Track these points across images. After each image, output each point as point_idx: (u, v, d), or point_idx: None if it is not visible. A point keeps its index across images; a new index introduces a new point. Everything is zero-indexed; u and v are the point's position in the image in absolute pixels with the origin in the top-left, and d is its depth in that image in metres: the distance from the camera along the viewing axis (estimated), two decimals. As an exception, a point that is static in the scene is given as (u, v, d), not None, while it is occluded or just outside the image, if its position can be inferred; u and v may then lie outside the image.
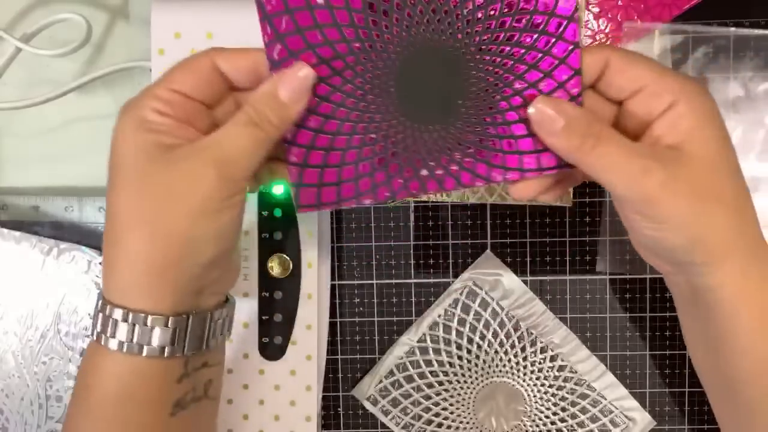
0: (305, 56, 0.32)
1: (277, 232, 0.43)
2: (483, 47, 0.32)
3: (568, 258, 0.46)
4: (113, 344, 0.31)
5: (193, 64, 0.33)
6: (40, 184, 0.49)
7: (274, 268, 0.43)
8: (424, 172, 0.34)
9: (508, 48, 0.32)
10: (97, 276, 0.46)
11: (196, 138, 0.32)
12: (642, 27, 0.43)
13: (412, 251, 0.46)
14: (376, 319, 0.47)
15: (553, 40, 0.31)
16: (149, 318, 0.31)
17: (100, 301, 0.32)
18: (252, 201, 0.43)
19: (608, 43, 0.44)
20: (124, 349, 0.31)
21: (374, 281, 0.47)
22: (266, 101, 0.31)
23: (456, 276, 0.46)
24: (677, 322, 0.46)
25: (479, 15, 0.31)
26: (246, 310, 0.43)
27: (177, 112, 0.32)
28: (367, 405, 0.47)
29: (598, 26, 0.43)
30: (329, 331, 0.46)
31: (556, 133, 0.31)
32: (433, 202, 0.46)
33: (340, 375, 0.47)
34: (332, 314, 0.46)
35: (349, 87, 0.32)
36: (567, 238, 0.46)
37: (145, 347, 0.31)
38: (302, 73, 0.32)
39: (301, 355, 0.43)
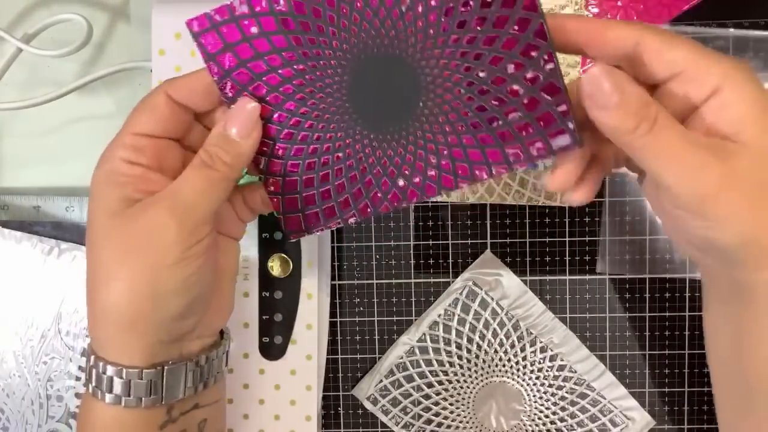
0: (255, 87, 0.32)
1: (277, 231, 0.43)
2: (432, 44, 0.30)
3: (567, 258, 0.46)
4: (96, 393, 0.32)
5: (149, 102, 0.33)
6: (41, 184, 0.49)
7: (274, 267, 0.43)
8: (401, 182, 0.32)
9: (460, 37, 0.29)
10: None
11: (163, 187, 0.32)
12: (641, 27, 0.43)
13: (412, 251, 0.47)
14: (376, 319, 0.47)
15: (509, 17, 0.28)
16: (124, 371, 0.32)
17: (88, 348, 0.33)
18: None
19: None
20: (106, 400, 0.32)
21: (374, 281, 0.47)
22: (217, 141, 0.32)
23: (456, 276, 0.46)
24: (676, 322, 0.46)
25: (432, 18, 0.29)
26: (246, 310, 0.43)
27: (147, 157, 0.32)
28: (367, 404, 0.47)
29: (598, 27, 0.44)
30: (329, 330, 0.46)
31: (608, 108, 0.27)
32: (433, 202, 0.46)
33: (340, 374, 0.47)
34: (332, 314, 0.46)
35: (304, 109, 0.32)
36: (567, 238, 0.46)
37: (123, 398, 0.32)
38: (248, 107, 0.32)
39: (302, 355, 0.44)
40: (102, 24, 0.47)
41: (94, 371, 0.32)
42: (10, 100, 0.45)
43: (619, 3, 0.43)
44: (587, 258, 0.46)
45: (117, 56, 0.48)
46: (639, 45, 0.29)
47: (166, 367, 0.33)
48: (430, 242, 0.46)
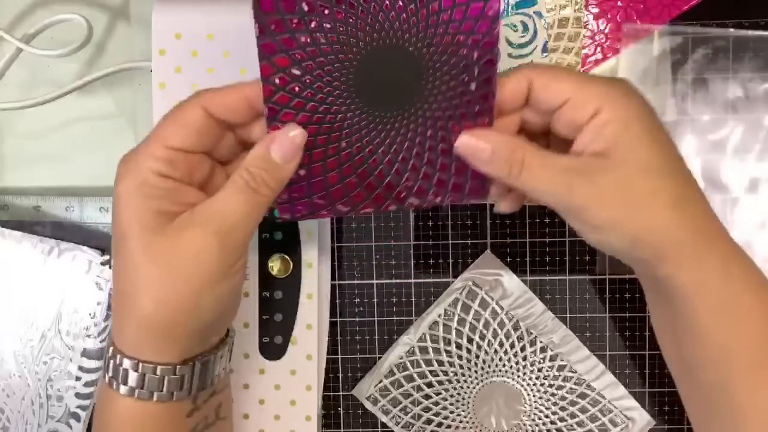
0: (281, 59, 0.31)
1: (278, 232, 0.43)
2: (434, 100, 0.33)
3: (567, 258, 0.46)
4: (124, 390, 0.33)
5: (184, 116, 0.33)
6: (41, 184, 0.49)
7: (275, 267, 0.43)
8: (393, 207, 0.36)
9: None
10: (98, 276, 0.46)
11: (196, 200, 0.33)
12: (641, 28, 0.43)
13: (412, 251, 0.47)
14: (376, 319, 0.47)
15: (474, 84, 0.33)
16: (158, 368, 0.32)
17: (111, 348, 0.33)
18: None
19: (607, 44, 0.44)
20: (135, 395, 0.33)
21: (374, 281, 0.47)
22: (260, 164, 0.32)
23: (456, 276, 0.46)
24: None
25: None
26: (246, 309, 0.43)
27: (179, 171, 0.33)
28: (367, 404, 0.47)
29: (598, 27, 0.44)
30: (329, 330, 0.46)
31: (484, 162, 0.33)
32: (433, 202, 0.46)
33: (340, 375, 0.47)
34: (332, 314, 0.46)
35: (317, 116, 0.33)
36: (567, 238, 0.46)
37: (155, 393, 0.33)
38: (293, 134, 0.32)
39: (302, 355, 0.44)
40: (102, 24, 0.47)
41: (121, 369, 0.33)
42: (10, 100, 0.45)
43: (620, 3, 0.43)
44: (587, 258, 0.46)
45: (117, 56, 0.48)
46: (530, 85, 0.33)
47: (196, 362, 0.34)
48: (430, 242, 0.46)
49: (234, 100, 0.33)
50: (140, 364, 0.32)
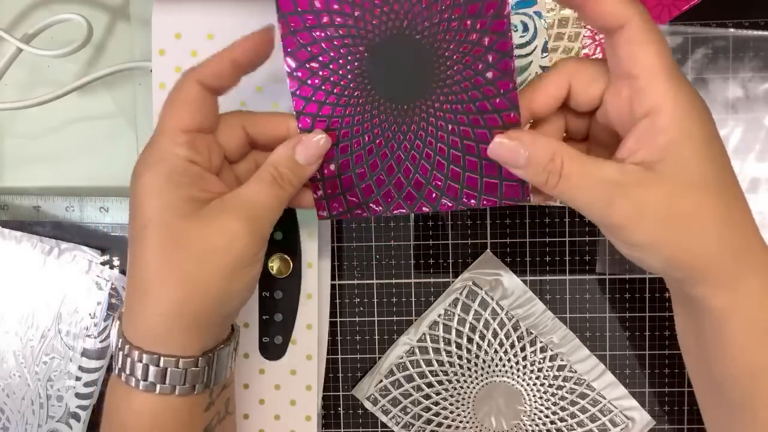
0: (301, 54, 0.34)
1: (278, 232, 0.43)
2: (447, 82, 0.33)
3: (567, 258, 0.46)
4: (144, 386, 0.33)
5: (184, 96, 0.33)
6: (41, 184, 0.49)
7: (275, 267, 0.43)
8: (426, 209, 0.37)
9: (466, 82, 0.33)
10: (98, 276, 0.46)
11: (219, 188, 0.34)
12: (641, 28, 0.43)
13: (412, 251, 0.47)
14: (376, 319, 0.47)
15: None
16: (181, 361, 0.32)
17: (127, 346, 0.33)
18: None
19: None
20: (157, 390, 0.33)
21: (374, 281, 0.47)
22: (285, 163, 0.34)
23: (456, 276, 0.46)
24: (676, 322, 0.46)
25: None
26: (246, 310, 0.43)
27: (200, 154, 0.33)
28: (367, 404, 0.47)
29: (598, 27, 0.44)
30: (329, 330, 0.46)
31: (520, 167, 0.32)
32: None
33: (340, 374, 0.47)
34: (332, 314, 0.46)
35: (338, 109, 0.35)
36: (566, 238, 0.46)
37: (178, 387, 0.33)
38: (317, 138, 0.34)
39: (302, 355, 0.44)
40: (102, 24, 0.47)
41: (140, 365, 0.32)
42: (10, 100, 0.45)
43: (619, 3, 0.43)
44: (587, 258, 0.46)
45: (117, 56, 0.48)
46: (622, 29, 0.30)
47: (215, 353, 0.34)
48: (430, 242, 0.46)
49: (220, 65, 0.33)
50: (161, 359, 0.32)
